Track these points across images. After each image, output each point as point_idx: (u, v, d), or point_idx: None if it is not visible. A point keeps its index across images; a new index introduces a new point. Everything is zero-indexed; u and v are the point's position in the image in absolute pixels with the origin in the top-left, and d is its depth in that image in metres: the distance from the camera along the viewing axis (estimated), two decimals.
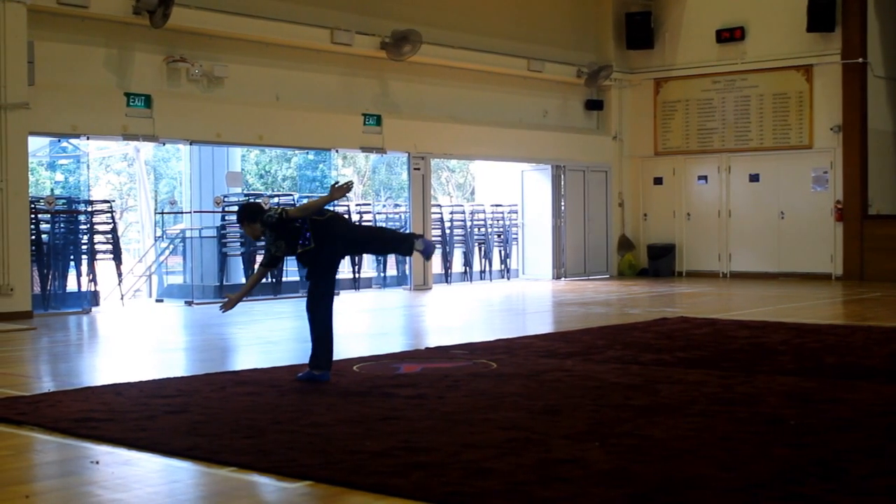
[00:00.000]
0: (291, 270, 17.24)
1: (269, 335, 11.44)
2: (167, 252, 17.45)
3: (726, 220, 20.63)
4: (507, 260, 20.95)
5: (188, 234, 16.70)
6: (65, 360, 9.52)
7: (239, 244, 16.47)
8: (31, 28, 12.90)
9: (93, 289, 14.54)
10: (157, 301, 16.00)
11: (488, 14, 19.18)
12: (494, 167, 22.01)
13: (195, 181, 17.75)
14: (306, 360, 7.68)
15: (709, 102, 20.80)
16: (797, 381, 7.36)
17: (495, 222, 20.85)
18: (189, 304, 15.15)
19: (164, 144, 17.20)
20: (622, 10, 21.30)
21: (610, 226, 21.57)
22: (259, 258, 16.89)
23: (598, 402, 6.60)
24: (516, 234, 21.16)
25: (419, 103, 18.23)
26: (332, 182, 8.58)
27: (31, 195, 13.44)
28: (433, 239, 18.91)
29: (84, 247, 14.62)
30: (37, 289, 13.66)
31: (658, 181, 21.52)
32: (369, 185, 30.85)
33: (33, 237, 13.57)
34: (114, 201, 18.86)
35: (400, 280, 18.79)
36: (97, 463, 5.18)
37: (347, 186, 7.43)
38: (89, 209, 15.17)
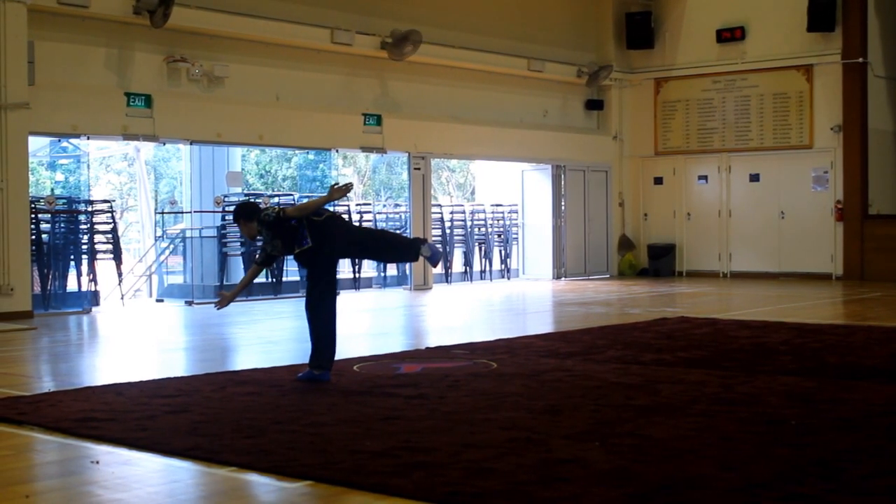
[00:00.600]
0: (291, 270, 17.25)
1: (269, 335, 11.44)
2: (167, 252, 17.45)
3: (726, 219, 20.63)
4: (508, 260, 20.95)
5: (188, 233, 16.70)
6: (65, 360, 9.52)
7: (239, 244, 16.47)
8: (31, 28, 12.90)
9: (93, 289, 14.54)
10: (158, 301, 16.00)
11: (488, 14, 19.18)
12: (495, 167, 22.01)
13: (195, 181, 17.76)
14: (307, 360, 7.68)
15: (709, 102, 20.80)
16: (798, 381, 7.36)
17: (495, 222, 20.85)
18: (189, 303, 15.15)
19: (164, 144, 17.20)
20: (622, 9, 21.30)
21: (610, 226, 21.57)
22: (256, 259, 16.92)
23: (598, 401, 6.60)
24: (516, 233, 21.16)
25: (419, 103, 18.23)
26: (332, 183, 8.54)
27: (31, 195, 13.44)
28: (433, 240, 18.90)
29: (84, 247, 14.62)
30: (37, 289, 13.67)
31: (658, 181, 21.52)
32: (369, 185, 30.85)
33: (33, 237, 13.57)
34: (114, 201, 18.85)
35: (400, 280, 18.79)
36: (97, 463, 5.18)
37: (347, 188, 7.42)
38: (89, 209, 15.17)
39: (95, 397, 6.92)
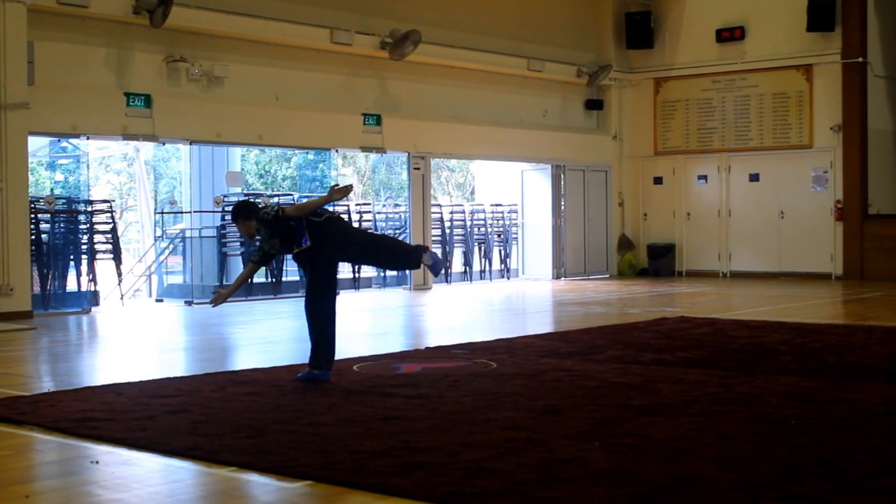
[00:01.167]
0: (291, 270, 17.23)
1: (268, 335, 11.43)
2: (167, 252, 17.45)
3: (726, 219, 20.63)
4: (507, 260, 20.95)
5: (188, 233, 16.71)
6: (65, 360, 9.52)
7: (239, 244, 16.47)
8: (31, 28, 12.90)
9: (93, 289, 14.54)
10: (157, 301, 16.00)
11: (488, 13, 19.18)
12: (494, 167, 22.01)
13: (195, 181, 17.76)
14: (306, 360, 7.67)
15: (709, 102, 20.80)
16: (798, 381, 7.36)
17: (495, 222, 20.85)
18: (189, 303, 15.15)
19: (163, 144, 17.20)
20: (622, 9, 21.30)
21: (610, 225, 21.57)
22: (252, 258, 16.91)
23: (598, 401, 6.60)
24: (516, 233, 21.16)
25: (419, 103, 18.23)
26: (332, 184, 8.48)
27: (31, 195, 13.43)
28: (433, 240, 18.90)
29: (84, 247, 14.62)
30: (37, 289, 13.66)
31: (658, 181, 21.52)
32: (369, 185, 30.85)
33: (33, 237, 13.57)
34: (114, 201, 18.86)
35: (400, 280, 18.78)
36: (97, 463, 5.18)
37: (347, 189, 7.41)
38: (89, 209, 15.17)
39: (95, 397, 6.91)
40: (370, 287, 18.16)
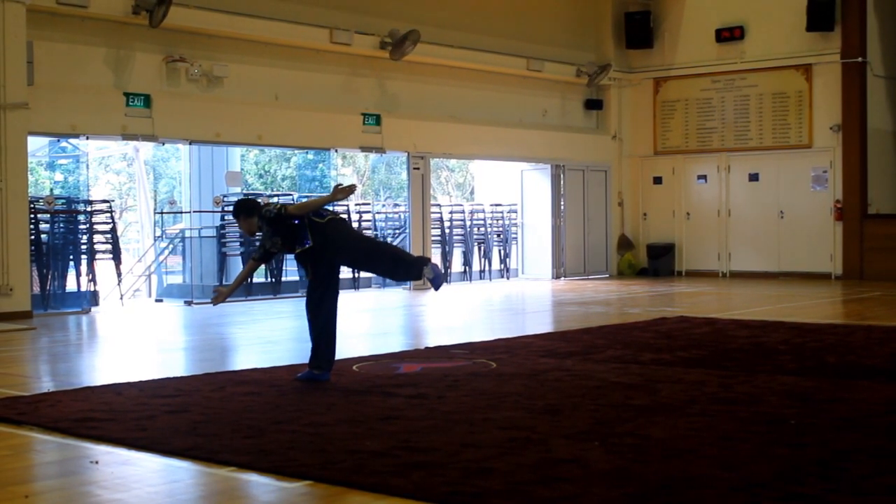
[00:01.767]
0: (291, 270, 17.24)
1: (268, 335, 11.43)
2: (167, 252, 17.45)
3: (726, 219, 20.63)
4: (507, 259, 20.95)
5: (188, 233, 16.70)
6: (64, 360, 9.52)
7: (238, 244, 16.47)
8: (30, 28, 12.90)
9: (92, 289, 14.54)
10: (157, 301, 15.99)
11: (488, 13, 19.18)
12: (494, 167, 22.00)
13: (194, 181, 17.76)
14: (306, 360, 7.67)
15: (708, 102, 20.80)
16: (797, 381, 7.36)
17: (495, 222, 20.84)
18: (189, 303, 15.15)
19: (163, 144, 17.19)
20: (621, 9, 21.30)
21: (609, 225, 21.57)
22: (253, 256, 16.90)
23: (598, 401, 6.60)
24: (516, 233, 21.16)
25: (418, 103, 18.23)
26: (336, 183, 8.42)
27: (30, 195, 13.42)
28: (433, 240, 18.91)
29: (83, 247, 14.61)
30: (36, 289, 13.66)
31: (658, 181, 21.52)
32: (369, 185, 30.85)
33: (33, 237, 13.57)
34: (113, 201, 18.84)
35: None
36: (97, 463, 5.18)
37: (350, 189, 7.39)
38: (89, 209, 15.16)
39: (95, 397, 6.91)
40: (370, 287, 18.15)
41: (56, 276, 14.21)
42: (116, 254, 14.96)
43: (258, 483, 4.81)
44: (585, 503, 4.28)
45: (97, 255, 14.73)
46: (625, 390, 7.00)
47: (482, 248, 20.59)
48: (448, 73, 18.61)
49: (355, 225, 17.77)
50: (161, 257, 17.34)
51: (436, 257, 19.29)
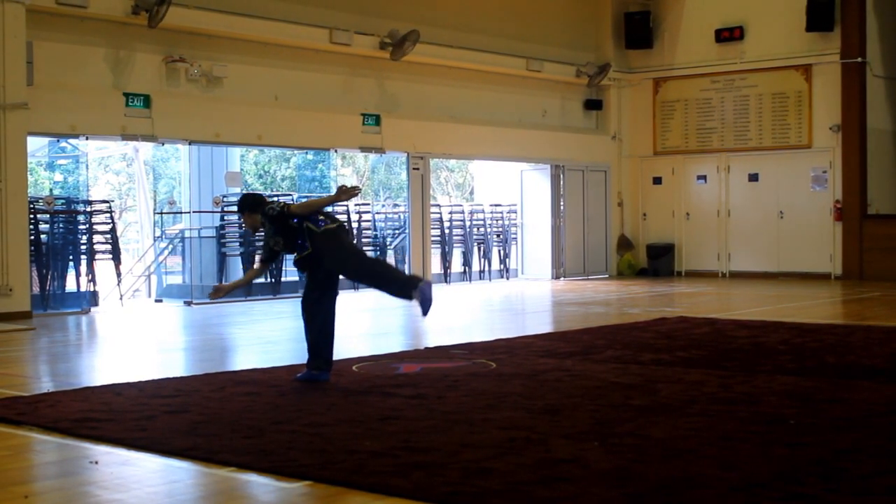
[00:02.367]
0: (291, 270, 17.22)
1: (268, 335, 11.43)
2: (166, 252, 17.45)
3: (725, 219, 20.63)
4: (507, 260, 20.95)
5: (187, 234, 16.70)
6: (64, 361, 9.51)
7: (238, 244, 16.47)
8: (30, 28, 12.90)
9: (92, 289, 14.54)
10: (157, 301, 15.99)
11: (487, 14, 19.18)
12: (493, 167, 22.01)
13: (194, 181, 17.75)
14: (305, 360, 7.66)
15: (708, 102, 20.81)
16: (797, 381, 7.36)
17: (494, 222, 20.85)
18: (188, 304, 15.15)
19: (163, 144, 17.19)
20: (621, 9, 21.31)
21: (609, 225, 21.58)
22: (258, 258, 16.91)
23: (597, 401, 6.60)
24: (515, 233, 21.16)
25: (418, 103, 18.23)
26: (340, 185, 8.33)
27: (30, 195, 13.42)
28: (433, 240, 18.90)
29: (83, 247, 14.61)
30: (36, 289, 13.66)
31: (657, 181, 21.52)
32: (368, 185, 30.84)
33: (32, 237, 13.57)
34: (113, 201, 18.84)
35: None
36: (96, 463, 5.18)
37: (354, 191, 7.34)
38: (88, 209, 15.16)
39: (94, 397, 6.91)
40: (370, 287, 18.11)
41: (56, 277, 14.20)
42: (116, 254, 14.96)
43: (258, 483, 4.81)
44: (585, 503, 4.28)
45: (97, 256, 14.73)
46: (624, 390, 7.00)
47: (482, 249, 20.59)
48: (448, 74, 18.62)
49: (355, 226, 17.76)
50: (161, 257, 17.34)
51: (435, 258, 19.30)
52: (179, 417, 6.18)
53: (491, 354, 8.91)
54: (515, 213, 21.13)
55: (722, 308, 14.10)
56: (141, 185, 22.46)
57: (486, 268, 20.58)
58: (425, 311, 7.29)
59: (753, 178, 20.37)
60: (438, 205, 21.33)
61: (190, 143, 15.93)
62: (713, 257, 20.78)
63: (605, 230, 21.52)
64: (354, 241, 7.96)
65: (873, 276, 18.73)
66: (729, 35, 20.28)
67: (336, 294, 7.66)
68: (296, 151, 25.08)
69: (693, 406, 6.39)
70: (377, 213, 19.72)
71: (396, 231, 18.88)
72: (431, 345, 9.87)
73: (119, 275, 15.19)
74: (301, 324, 7.67)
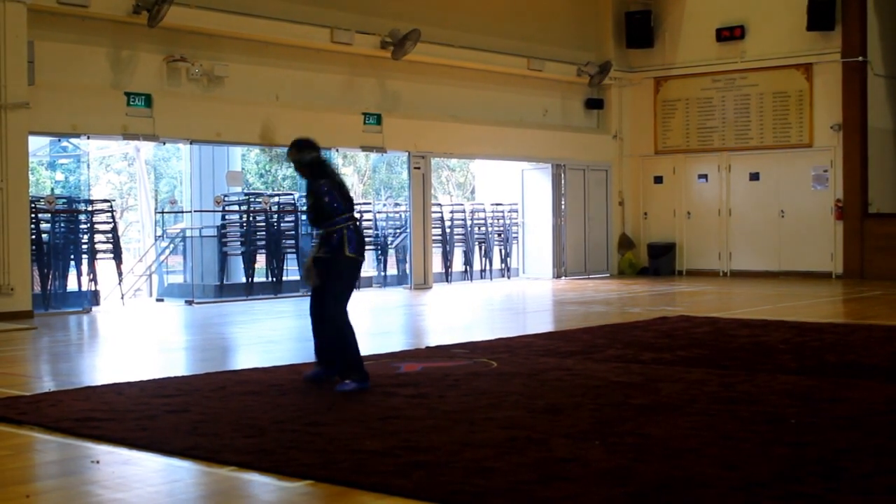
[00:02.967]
0: (291, 270, 17.24)
1: (269, 334, 11.44)
2: (167, 251, 17.45)
3: (726, 218, 20.63)
4: (508, 259, 20.95)
5: (188, 233, 16.70)
6: (65, 360, 9.52)
7: (239, 243, 16.48)
8: (31, 28, 12.90)
9: (93, 288, 14.54)
10: (158, 300, 16.00)
11: (488, 13, 19.18)
12: (495, 166, 22.01)
13: (195, 180, 17.75)
14: (306, 360, 7.63)
15: (709, 101, 20.80)
16: (798, 380, 7.36)
17: (495, 221, 20.85)
18: (189, 303, 15.16)
19: (164, 144, 17.19)
20: (622, 8, 21.31)
21: (610, 225, 21.57)
22: (259, 258, 16.91)
23: (598, 401, 6.60)
24: (516, 233, 21.16)
25: (419, 102, 18.23)
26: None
27: (31, 195, 13.44)
28: (433, 240, 18.89)
29: (84, 246, 14.62)
30: (37, 288, 13.66)
31: (658, 180, 21.52)
32: (369, 185, 30.84)
33: (34, 237, 13.57)
34: (114, 201, 18.85)
35: (400, 279, 18.79)
36: (97, 462, 5.18)
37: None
38: (89, 209, 15.17)
39: (96, 397, 6.92)
40: (370, 286, 18.16)
41: (57, 276, 14.21)
42: (117, 253, 14.97)
43: (259, 483, 4.81)
44: (586, 502, 4.28)
45: (98, 255, 14.73)
46: (625, 390, 7.00)
47: (483, 248, 20.60)
48: (449, 73, 18.62)
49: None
50: (162, 257, 17.35)
51: (436, 257, 19.31)
52: (180, 417, 6.19)
53: (492, 354, 8.91)
54: (516, 212, 21.13)
55: (723, 307, 14.10)
56: (142, 184, 22.48)
57: (488, 267, 20.59)
58: (338, 388, 7.02)
59: (754, 177, 20.36)
60: (440, 204, 21.34)
61: (191, 143, 15.94)
62: (714, 256, 20.78)
63: (606, 229, 21.52)
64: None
65: (874, 275, 18.72)
66: (730, 34, 20.28)
67: (349, 297, 7.47)
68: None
69: (694, 405, 6.39)
70: (378, 212, 19.72)
71: (398, 230, 18.89)
72: (432, 344, 9.88)
73: (120, 274, 15.20)
74: (304, 323, 7.60)
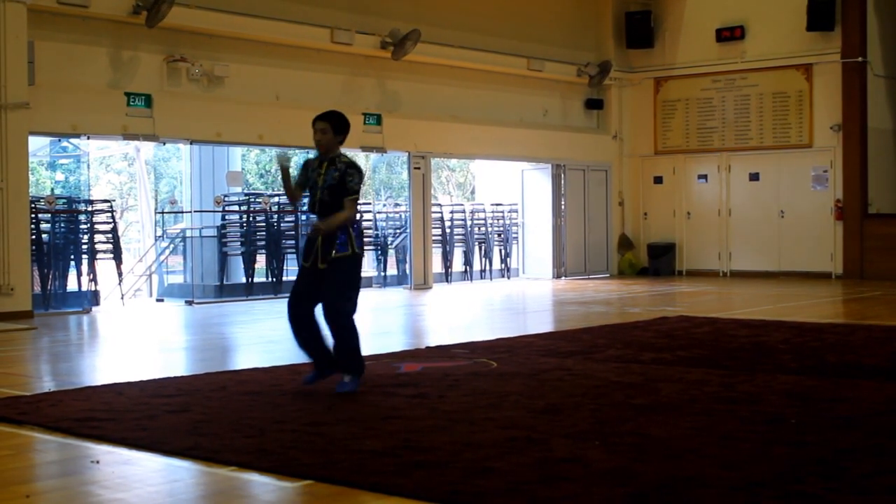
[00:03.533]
0: (291, 270, 17.23)
1: (269, 334, 11.44)
2: (167, 251, 17.45)
3: (726, 218, 20.63)
4: (508, 259, 20.96)
5: (188, 233, 16.71)
6: (65, 360, 9.52)
7: (239, 243, 16.47)
8: (31, 28, 12.90)
9: (93, 288, 14.54)
10: (158, 300, 16.00)
11: (488, 13, 19.18)
12: (494, 166, 22.01)
13: (195, 181, 17.75)
14: (306, 360, 7.56)
15: (709, 101, 20.81)
16: (798, 380, 7.36)
17: (495, 221, 20.85)
18: (189, 303, 15.16)
19: (164, 144, 17.19)
20: (622, 8, 21.31)
21: (610, 225, 21.58)
22: (259, 258, 16.91)
23: (598, 401, 6.60)
24: (516, 233, 21.16)
25: (419, 102, 18.23)
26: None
27: (31, 195, 13.44)
28: (433, 240, 18.89)
29: (84, 246, 14.62)
30: (37, 288, 13.67)
31: (658, 180, 21.52)
32: (370, 185, 30.84)
33: (34, 237, 13.57)
34: (114, 201, 18.85)
35: (400, 279, 18.79)
36: (97, 462, 5.18)
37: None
38: (90, 209, 15.17)
39: (96, 397, 6.91)
40: (370, 286, 18.16)
41: (57, 276, 14.21)
42: (117, 253, 14.97)
43: (259, 483, 4.81)
44: (586, 502, 4.28)
45: (98, 255, 14.73)
46: (625, 390, 7.00)
47: (483, 248, 20.60)
48: (449, 73, 18.62)
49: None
50: (162, 257, 17.35)
51: (436, 257, 19.31)
52: (181, 417, 6.19)
53: (492, 354, 8.91)
54: (516, 212, 21.14)
55: (723, 307, 14.11)
56: (142, 184, 22.46)
57: (487, 267, 20.59)
58: (338, 388, 6.93)
59: (754, 177, 20.37)
60: (440, 204, 21.34)
61: (191, 143, 15.94)
62: (714, 257, 20.78)
63: (606, 229, 21.52)
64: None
65: (874, 275, 18.73)
66: (730, 34, 20.28)
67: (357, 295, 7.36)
68: (297, 151, 25.06)
69: (694, 405, 6.39)
70: (378, 212, 19.72)
71: (397, 230, 18.89)
72: (432, 344, 9.88)
73: (120, 274, 15.20)
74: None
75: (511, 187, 21.37)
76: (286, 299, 7.35)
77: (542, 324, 12.71)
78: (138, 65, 14.51)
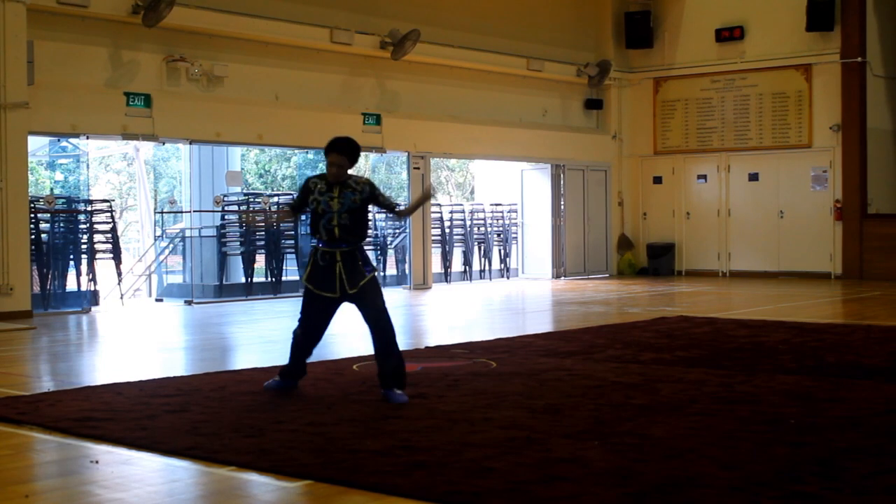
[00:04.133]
0: (291, 270, 17.24)
1: (269, 334, 11.43)
2: (167, 251, 17.45)
3: (726, 219, 20.63)
4: (507, 259, 20.95)
5: (188, 233, 16.70)
6: (65, 360, 9.52)
7: (239, 243, 16.47)
8: (30, 27, 12.90)
9: (92, 288, 14.54)
10: (157, 300, 15.99)
11: (488, 13, 19.18)
12: (494, 166, 22.01)
13: (195, 180, 17.76)
14: (307, 359, 7.55)
15: (708, 102, 20.81)
16: (797, 380, 7.36)
17: (495, 221, 20.85)
18: (189, 303, 15.15)
19: (163, 144, 17.18)
20: (622, 9, 21.31)
21: (609, 225, 21.57)
22: (259, 258, 16.91)
23: (598, 401, 6.60)
24: (516, 233, 21.16)
25: (419, 102, 18.23)
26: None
27: (30, 195, 13.42)
28: (433, 240, 18.90)
29: (84, 246, 14.61)
30: (36, 288, 13.66)
31: (657, 180, 21.52)
32: None
33: (33, 237, 13.57)
34: (113, 201, 18.85)
35: (400, 279, 18.79)
36: (97, 462, 5.18)
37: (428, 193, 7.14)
38: (89, 208, 15.16)
39: (95, 397, 6.91)
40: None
41: (56, 276, 14.20)
42: (117, 253, 14.96)
43: (258, 482, 4.81)
44: (585, 502, 4.28)
45: (97, 255, 14.73)
46: (625, 390, 7.00)
47: (482, 248, 20.60)
48: (448, 73, 18.62)
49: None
50: (161, 257, 17.35)
51: (436, 258, 19.31)
52: (180, 417, 6.19)
53: (491, 354, 8.91)
54: (516, 212, 21.14)
55: (722, 307, 14.11)
56: (142, 184, 22.47)
57: (487, 267, 20.59)
58: (395, 399, 6.66)
59: (754, 177, 20.37)
60: (439, 204, 21.33)
61: (191, 143, 15.93)
62: (713, 257, 20.78)
63: (606, 229, 21.52)
64: None
65: (873, 275, 18.73)
66: (729, 35, 20.28)
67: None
68: (296, 151, 25.08)
69: (693, 405, 6.39)
70: (378, 212, 19.72)
71: (397, 230, 18.88)
72: (432, 344, 9.88)
73: (119, 274, 15.20)
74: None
75: (510, 187, 21.37)
76: (285, 299, 7.33)
77: (541, 324, 12.71)
78: (138, 65, 14.51)
